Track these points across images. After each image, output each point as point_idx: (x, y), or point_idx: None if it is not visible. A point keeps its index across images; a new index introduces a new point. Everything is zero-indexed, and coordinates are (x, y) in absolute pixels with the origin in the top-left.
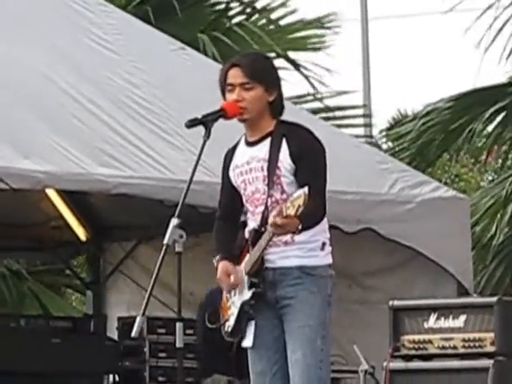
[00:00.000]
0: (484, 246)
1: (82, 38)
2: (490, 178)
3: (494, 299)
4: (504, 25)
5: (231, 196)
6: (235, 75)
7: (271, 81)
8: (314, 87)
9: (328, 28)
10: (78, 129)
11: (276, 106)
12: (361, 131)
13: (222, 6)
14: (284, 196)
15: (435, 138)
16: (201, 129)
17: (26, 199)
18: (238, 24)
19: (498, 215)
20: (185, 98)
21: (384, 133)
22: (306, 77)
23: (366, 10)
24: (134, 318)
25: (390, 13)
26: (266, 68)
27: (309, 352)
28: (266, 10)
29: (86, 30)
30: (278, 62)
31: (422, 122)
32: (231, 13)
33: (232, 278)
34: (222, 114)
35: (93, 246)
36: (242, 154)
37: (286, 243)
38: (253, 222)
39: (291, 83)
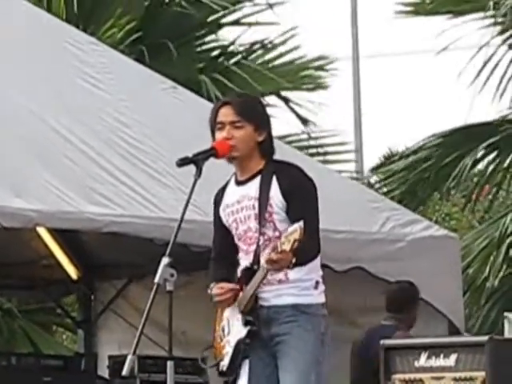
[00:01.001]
0: (478, 288)
1: (74, 77)
2: (480, 216)
3: (485, 338)
4: (497, 64)
5: (224, 235)
6: (226, 113)
7: (261, 121)
8: (305, 123)
9: (325, 70)
10: (69, 168)
11: (266, 147)
12: (351, 167)
13: (218, 49)
14: (277, 233)
15: (426, 175)
16: (192, 168)
17: (17, 238)
18: (237, 63)
19: (492, 257)
20: (176, 137)
21: (374, 171)
22: (298, 115)
23: (358, 48)
24: (124, 357)
25: (381, 51)
26: (257, 108)
27: None
28: (263, 49)
29: (77, 68)
30: (270, 100)
31: (413, 159)
32: (229, 54)
33: (227, 292)
34: (212, 152)
35: (84, 284)
36: (232, 193)
37: (280, 281)
38: (245, 261)
39: (282, 120)
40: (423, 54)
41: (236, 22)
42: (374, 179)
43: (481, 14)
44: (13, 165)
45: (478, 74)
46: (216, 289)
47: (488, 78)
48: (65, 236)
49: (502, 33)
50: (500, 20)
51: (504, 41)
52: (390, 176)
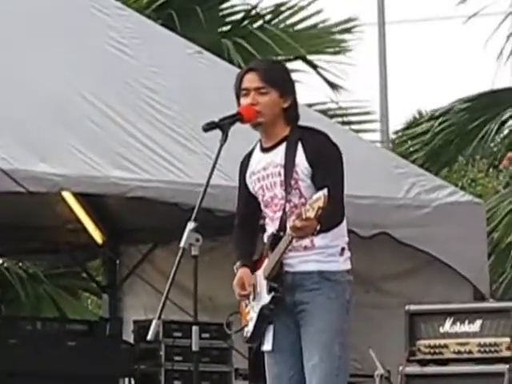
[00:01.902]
0: (502, 251)
1: (100, 41)
2: (506, 182)
3: (510, 304)
4: None
5: (249, 202)
6: (251, 79)
7: (286, 87)
8: (333, 87)
9: (350, 32)
10: (94, 132)
11: (291, 113)
12: (377, 137)
13: (242, 12)
14: (302, 200)
15: (451, 138)
16: (217, 133)
17: (42, 202)
18: (260, 27)
19: None
20: (202, 102)
21: (400, 133)
22: (326, 79)
23: (384, 14)
24: (149, 322)
25: (406, 17)
26: (282, 74)
27: (325, 358)
28: (287, 12)
29: (103, 33)
30: (298, 65)
31: (438, 122)
32: (252, 17)
33: (246, 287)
34: (238, 117)
35: (109, 249)
36: (258, 160)
37: (305, 248)
38: (271, 227)
39: (309, 86)
40: (449, 20)
41: None
42: (399, 141)
43: None
44: (38, 129)
45: (507, 41)
46: (237, 285)
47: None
48: (90, 200)
49: None
50: None
51: None
52: (415, 138)
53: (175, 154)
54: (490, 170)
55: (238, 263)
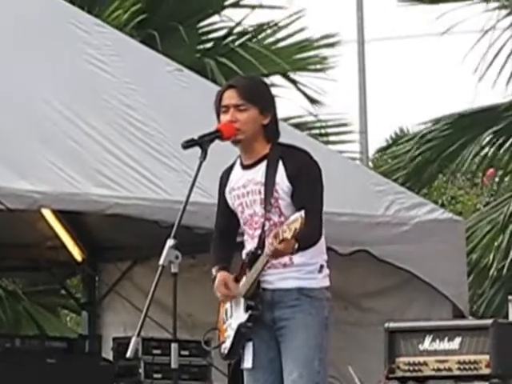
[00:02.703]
0: (481, 271)
1: (79, 59)
2: (486, 199)
3: (489, 321)
4: (502, 47)
5: (227, 217)
6: (230, 96)
7: (266, 104)
8: (313, 102)
9: (332, 47)
10: (73, 150)
11: (271, 130)
12: (356, 148)
13: (223, 30)
14: (282, 219)
15: (432, 158)
16: (197, 150)
17: (21, 219)
18: (242, 45)
19: (496, 242)
20: (181, 119)
21: (380, 152)
22: (306, 95)
23: (363, 31)
24: (129, 339)
25: (386, 34)
26: (262, 91)
27: (305, 373)
28: (269, 30)
29: (82, 51)
30: (276, 79)
31: (419, 142)
32: (234, 35)
33: (229, 288)
34: (218, 135)
35: (88, 266)
36: (239, 177)
37: (284, 265)
38: (250, 245)
39: (286, 100)
40: (428, 37)
41: (240, 5)
42: (379, 161)
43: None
44: (18, 147)
45: (483, 58)
46: (221, 285)
47: (492, 63)
48: (69, 218)
49: (507, 16)
50: (506, 3)
51: (510, 25)
52: (396, 157)
53: (154, 172)
54: (473, 188)
55: (216, 267)
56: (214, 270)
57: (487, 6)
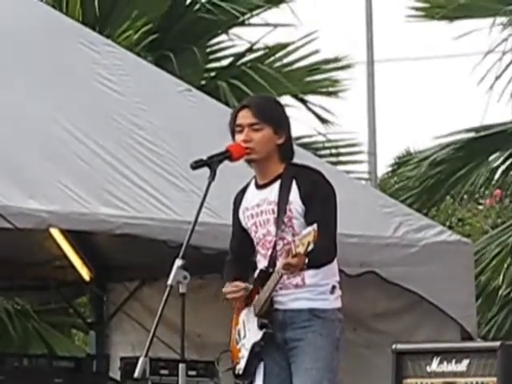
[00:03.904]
0: (490, 294)
1: (88, 78)
2: (493, 221)
3: (497, 344)
4: (508, 66)
5: (242, 239)
6: (244, 116)
7: (280, 124)
8: (324, 122)
9: (343, 69)
10: (82, 169)
11: (285, 150)
12: (364, 168)
13: (234, 52)
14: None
15: (440, 180)
16: (206, 170)
17: (30, 239)
18: (253, 67)
19: (505, 264)
20: (190, 139)
21: (389, 173)
22: (317, 115)
23: (372, 52)
24: (136, 359)
25: (395, 55)
26: (276, 111)
27: None
28: (281, 52)
29: (92, 70)
30: (286, 99)
31: (428, 164)
32: (244, 57)
33: (240, 290)
34: (227, 155)
35: (96, 286)
36: (252, 196)
37: (296, 286)
38: (262, 264)
39: (296, 120)
40: (438, 59)
41: (250, 24)
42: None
43: (492, 20)
44: (26, 166)
45: (496, 80)
46: (230, 287)
47: (497, 78)
48: (78, 237)
49: (508, 38)
50: None
51: None
52: (405, 178)
53: (163, 192)
54: (479, 208)
55: (226, 284)
56: (226, 284)
57: (497, 25)
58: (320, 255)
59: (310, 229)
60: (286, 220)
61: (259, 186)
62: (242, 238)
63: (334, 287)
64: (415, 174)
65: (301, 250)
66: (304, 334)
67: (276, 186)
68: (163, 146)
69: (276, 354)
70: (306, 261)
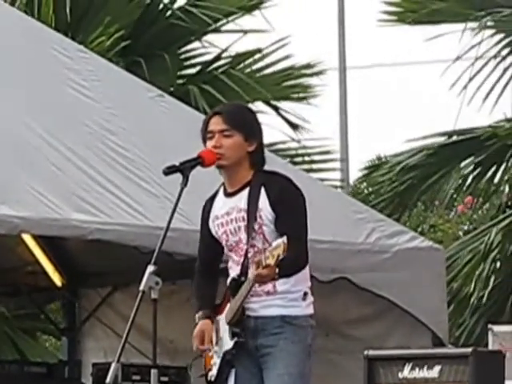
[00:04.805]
0: (462, 300)
1: (61, 83)
2: (466, 227)
3: (469, 350)
4: (477, 74)
5: (210, 246)
6: (215, 122)
7: (252, 131)
8: (295, 128)
9: (315, 75)
10: (54, 175)
11: (256, 157)
12: (337, 176)
13: (206, 57)
14: (266, 245)
15: (412, 186)
16: (178, 176)
17: (1, 244)
18: (225, 72)
19: (477, 271)
20: (162, 145)
21: (361, 179)
22: (289, 121)
23: (345, 59)
24: (108, 365)
25: (367, 62)
26: (248, 118)
27: None
28: (253, 57)
29: (64, 75)
30: (258, 105)
31: (400, 169)
32: (216, 62)
33: (205, 342)
34: (199, 161)
35: (68, 291)
36: (222, 204)
37: (268, 293)
38: (234, 271)
39: (268, 125)
40: (410, 65)
41: (223, 30)
42: (359, 187)
43: (464, 25)
44: None
45: (467, 85)
46: (197, 337)
47: (466, 85)
48: (50, 243)
49: (479, 43)
50: (486, 30)
51: (484, 53)
52: (376, 184)
53: (135, 197)
54: (451, 215)
55: (199, 313)
56: (197, 317)
57: (467, 33)
58: (291, 264)
59: (279, 241)
60: (256, 227)
61: (228, 194)
62: (210, 245)
63: (305, 293)
64: (387, 178)
65: (271, 261)
66: (276, 341)
67: (245, 193)
68: (135, 151)
69: (247, 361)
70: (277, 271)
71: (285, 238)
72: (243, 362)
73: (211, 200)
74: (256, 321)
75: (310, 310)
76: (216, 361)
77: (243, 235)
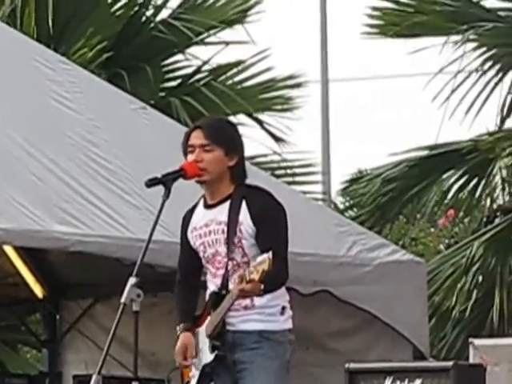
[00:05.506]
0: (443, 314)
1: (43, 95)
2: (446, 241)
3: (450, 363)
4: (458, 87)
5: (190, 257)
6: (196, 136)
7: (232, 145)
8: (278, 141)
9: (298, 88)
10: (36, 186)
11: (236, 171)
12: (319, 189)
13: (188, 69)
14: (245, 259)
15: (393, 199)
16: (160, 188)
17: None
18: (207, 84)
19: (458, 285)
20: (144, 157)
21: (342, 191)
22: (271, 134)
23: (327, 71)
24: (89, 377)
25: (350, 75)
26: (228, 132)
27: None
28: (235, 69)
29: (46, 87)
30: (240, 118)
31: (381, 182)
32: (198, 74)
33: (187, 357)
34: (181, 173)
35: (49, 303)
36: (201, 216)
37: (245, 308)
38: (213, 284)
39: (250, 137)
40: (392, 78)
41: (205, 42)
42: (340, 200)
43: (446, 39)
44: None
45: (448, 98)
46: (180, 352)
47: (448, 97)
48: (31, 254)
49: (462, 56)
50: (468, 44)
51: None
52: (358, 196)
53: (117, 209)
54: (432, 229)
55: (180, 325)
56: (178, 329)
57: (449, 46)
58: (274, 280)
59: (265, 256)
60: (235, 241)
61: (208, 206)
62: (190, 256)
63: (283, 308)
64: (368, 191)
65: (255, 276)
66: (253, 357)
67: (226, 206)
68: (117, 163)
69: (226, 375)
70: (262, 287)
71: (270, 254)
72: (222, 376)
73: (191, 211)
74: (234, 335)
75: (289, 325)
76: (195, 373)
77: (221, 248)
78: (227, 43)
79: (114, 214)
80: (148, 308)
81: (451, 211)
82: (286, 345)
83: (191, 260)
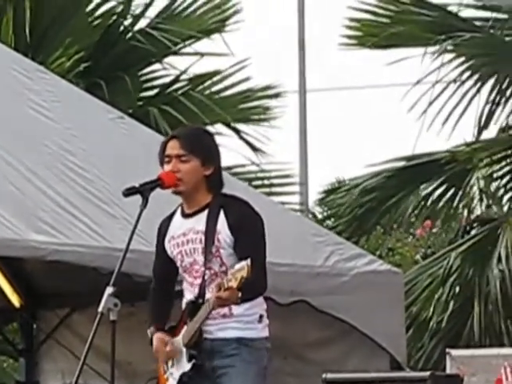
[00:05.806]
0: (421, 324)
1: (20, 104)
2: (423, 250)
3: (427, 374)
4: (437, 98)
5: (165, 264)
6: (173, 147)
7: (209, 155)
8: (255, 151)
9: (275, 97)
10: (13, 195)
11: (213, 181)
12: (296, 199)
13: (167, 79)
14: (223, 268)
15: (370, 209)
16: (138, 198)
17: None
18: (185, 94)
19: (436, 295)
20: (122, 166)
21: (319, 201)
22: (249, 144)
23: (305, 81)
24: None
25: (327, 85)
26: (204, 142)
27: None
28: (214, 78)
29: (24, 96)
30: (218, 127)
31: (358, 192)
32: (176, 84)
33: (168, 348)
34: (159, 183)
35: (26, 312)
36: (179, 225)
37: (224, 316)
38: (190, 293)
39: (227, 147)
40: (370, 88)
41: (183, 53)
42: (318, 210)
43: (424, 49)
44: None
45: (427, 109)
46: (160, 344)
47: (426, 109)
48: (8, 264)
49: (440, 67)
50: (446, 55)
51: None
52: (335, 206)
53: (94, 218)
54: (409, 239)
55: (151, 328)
56: (149, 332)
57: (427, 57)
58: (252, 288)
59: (243, 263)
60: (213, 250)
61: (186, 215)
62: (166, 264)
63: (261, 316)
64: (345, 201)
65: (233, 284)
66: (232, 362)
67: (203, 215)
68: (95, 172)
69: (204, 383)
70: (240, 295)
71: (249, 261)
72: None
73: (168, 219)
74: (212, 343)
75: (266, 333)
76: (172, 383)
77: (199, 257)
78: (203, 54)
79: (91, 224)
80: (125, 317)
81: (428, 222)
82: (264, 352)
83: (166, 266)
